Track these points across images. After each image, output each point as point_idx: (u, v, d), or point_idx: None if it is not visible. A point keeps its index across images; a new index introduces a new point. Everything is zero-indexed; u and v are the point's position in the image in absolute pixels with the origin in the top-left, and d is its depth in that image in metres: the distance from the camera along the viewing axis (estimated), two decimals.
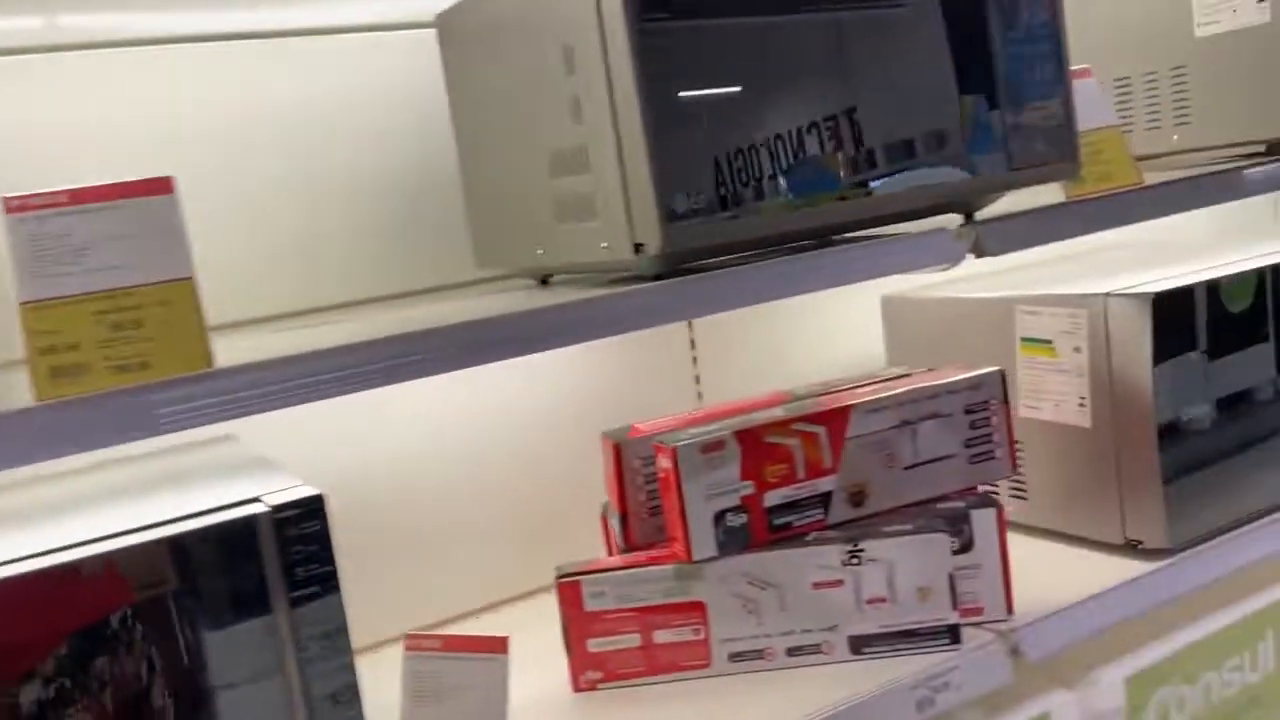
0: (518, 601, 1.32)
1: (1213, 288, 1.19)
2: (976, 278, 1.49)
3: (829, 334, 1.56)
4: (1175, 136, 1.42)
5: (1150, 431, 1.15)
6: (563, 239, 0.97)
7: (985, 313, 1.31)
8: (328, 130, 1.21)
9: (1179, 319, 1.16)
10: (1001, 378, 1.14)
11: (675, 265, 0.94)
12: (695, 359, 1.48)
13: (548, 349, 0.88)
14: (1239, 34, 1.33)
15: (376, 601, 1.24)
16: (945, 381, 1.12)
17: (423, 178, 1.24)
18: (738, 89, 0.87)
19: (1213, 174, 1.19)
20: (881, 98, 0.95)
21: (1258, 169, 1.22)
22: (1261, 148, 1.37)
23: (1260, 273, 1.23)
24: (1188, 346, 1.17)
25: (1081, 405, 1.22)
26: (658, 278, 0.93)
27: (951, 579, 1.04)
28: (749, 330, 1.51)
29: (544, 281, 1.14)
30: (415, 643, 0.89)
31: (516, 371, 1.32)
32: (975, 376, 1.13)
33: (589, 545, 1.21)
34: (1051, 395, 1.25)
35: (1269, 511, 1.24)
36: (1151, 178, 1.27)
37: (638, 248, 0.86)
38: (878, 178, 0.96)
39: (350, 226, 1.23)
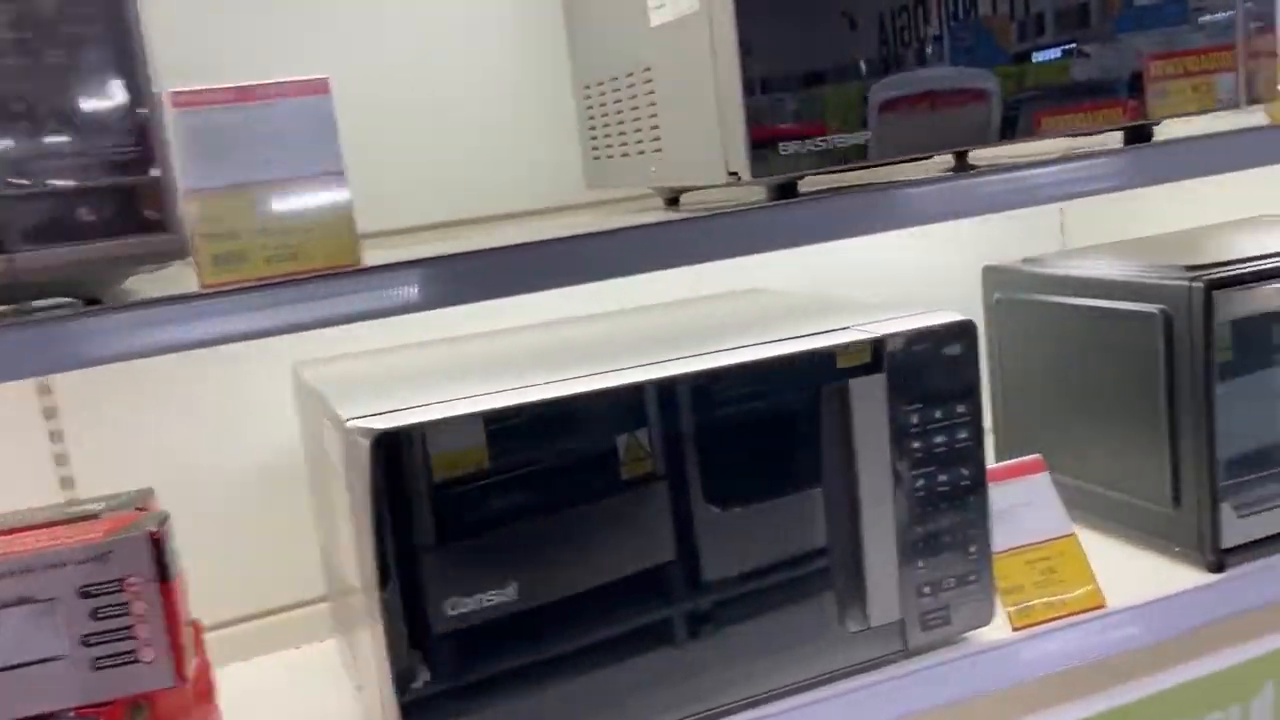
0: None
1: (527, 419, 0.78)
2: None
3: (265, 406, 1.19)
4: (653, 168, 1.00)
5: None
6: None
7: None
8: None
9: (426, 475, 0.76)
10: (150, 543, 0.77)
11: None
12: (59, 433, 1.12)
13: None
14: (684, 25, 0.90)
15: None
16: (35, 552, 0.75)
17: None
18: None
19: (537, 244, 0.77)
20: None
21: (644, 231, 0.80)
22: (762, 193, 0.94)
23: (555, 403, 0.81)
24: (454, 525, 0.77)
25: None
26: None
27: None
28: (143, 395, 1.14)
29: None
30: None
31: None
32: (96, 545, 0.76)
33: None
34: None
35: None
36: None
37: None
38: None
39: None
